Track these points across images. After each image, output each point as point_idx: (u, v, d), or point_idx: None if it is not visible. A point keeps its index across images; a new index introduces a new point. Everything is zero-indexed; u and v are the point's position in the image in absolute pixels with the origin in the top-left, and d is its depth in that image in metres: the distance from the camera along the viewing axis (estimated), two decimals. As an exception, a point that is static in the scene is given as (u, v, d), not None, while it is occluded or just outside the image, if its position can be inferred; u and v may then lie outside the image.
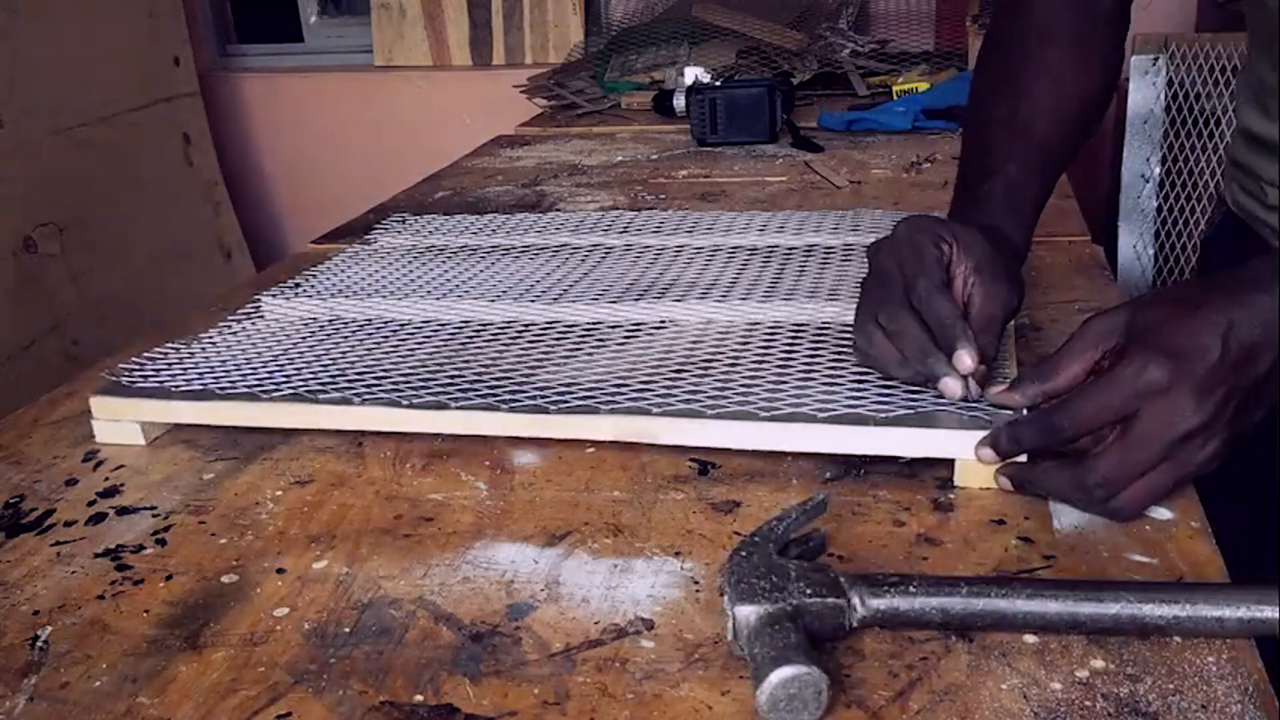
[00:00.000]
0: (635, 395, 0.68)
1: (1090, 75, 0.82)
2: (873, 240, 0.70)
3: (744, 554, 0.50)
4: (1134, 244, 1.95)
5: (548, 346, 0.78)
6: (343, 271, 0.96)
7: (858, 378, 0.68)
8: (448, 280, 0.92)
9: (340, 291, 0.90)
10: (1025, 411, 0.61)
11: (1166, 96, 1.89)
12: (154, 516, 0.64)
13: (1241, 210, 0.91)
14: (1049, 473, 0.58)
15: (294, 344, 0.81)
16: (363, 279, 0.94)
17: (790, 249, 0.96)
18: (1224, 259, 0.97)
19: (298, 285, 0.93)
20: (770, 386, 0.68)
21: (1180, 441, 0.54)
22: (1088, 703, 0.44)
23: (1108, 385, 0.55)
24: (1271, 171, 0.84)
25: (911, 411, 0.63)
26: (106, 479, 0.69)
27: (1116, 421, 0.55)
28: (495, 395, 0.69)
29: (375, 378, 0.73)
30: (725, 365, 0.72)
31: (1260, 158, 0.85)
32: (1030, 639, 0.48)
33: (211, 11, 2.93)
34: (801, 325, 0.78)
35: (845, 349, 0.72)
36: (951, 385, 0.62)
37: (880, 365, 0.66)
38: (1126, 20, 0.85)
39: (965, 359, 0.62)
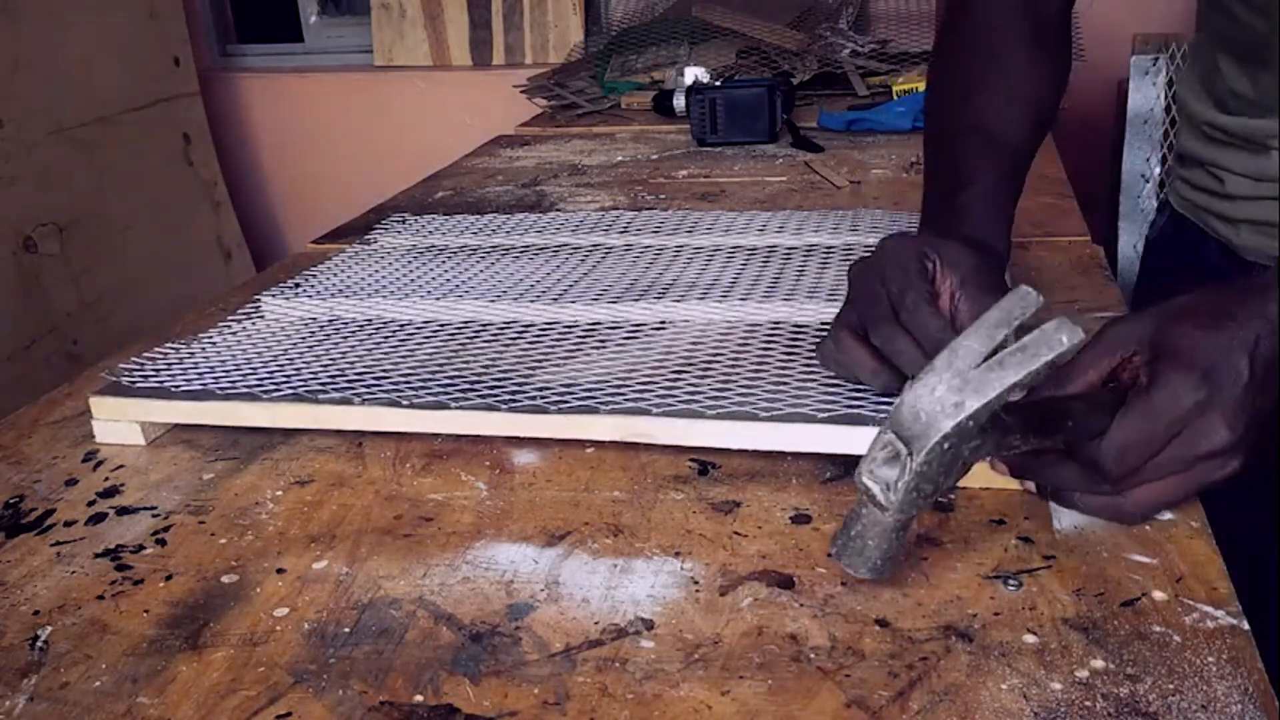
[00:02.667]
0: (635, 395, 0.68)
1: (1045, 75, 0.84)
2: (873, 240, 0.71)
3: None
4: (1134, 244, 1.95)
5: (548, 347, 0.78)
6: (343, 271, 0.96)
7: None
8: (448, 280, 0.92)
9: (340, 291, 0.90)
10: None
11: (1167, 96, 1.89)
12: (154, 516, 0.64)
13: (1190, 206, 0.93)
14: (1053, 464, 0.57)
15: (294, 344, 0.81)
16: (363, 279, 0.94)
17: (790, 249, 0.96)
18: (1165, 260, 1.00)
19: (298, 285, 0.93)
20: (771, 387, 0.68)
21: (1203, 458, 0.54)
22: (1088, 703, 0.44)
23: (1147, 415, 0.53)
24: (1229, 160, 0.87)
25: None
26: (106, 479, 0.69)
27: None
28: (495, 395, 0.70)
29: (375, 378, 0.73)
30: (725, 366, 0.72)
31: (1216, 149, 0.88)
32: (1030, 639, 0.49)
33: (211, 11, 2.93)
34: (802, 326, 0.78)
35: None
36: None
37: (851, 371, 0.66)
38: (1069, 19, 0.87)
39: None
